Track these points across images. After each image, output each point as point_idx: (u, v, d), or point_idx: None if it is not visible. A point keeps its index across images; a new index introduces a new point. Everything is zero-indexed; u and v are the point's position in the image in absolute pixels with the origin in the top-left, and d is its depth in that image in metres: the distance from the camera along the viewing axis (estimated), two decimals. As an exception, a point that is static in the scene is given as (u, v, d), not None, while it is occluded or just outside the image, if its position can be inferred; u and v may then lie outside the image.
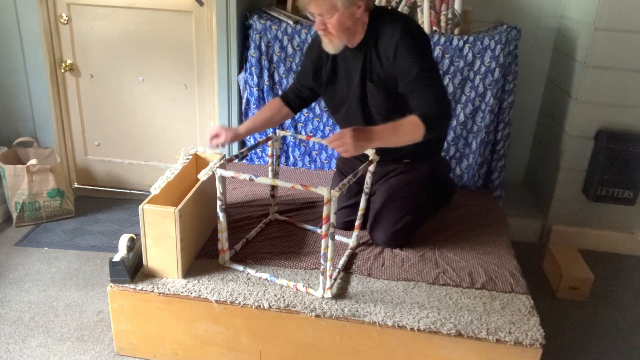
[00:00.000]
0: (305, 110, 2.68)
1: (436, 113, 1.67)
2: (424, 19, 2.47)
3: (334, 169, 2.72)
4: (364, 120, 1.94)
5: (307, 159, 2.80)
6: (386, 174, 2.07)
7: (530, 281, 1.93)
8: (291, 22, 2.54)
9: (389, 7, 2.50)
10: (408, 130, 1.65)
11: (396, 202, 2.01)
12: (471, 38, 2.42)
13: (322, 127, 2.70)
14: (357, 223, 2.01)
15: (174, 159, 2.85)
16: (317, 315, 1.66)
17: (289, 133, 2.13)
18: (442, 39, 2.43)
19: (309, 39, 2.52)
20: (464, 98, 2.51)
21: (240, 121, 2.79)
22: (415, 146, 1.72)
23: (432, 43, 2.42)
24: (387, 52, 1.77)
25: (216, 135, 2.00)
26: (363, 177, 1.93)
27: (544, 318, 1.77)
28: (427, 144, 1.76)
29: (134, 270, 1.81)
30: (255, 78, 2.64)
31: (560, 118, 2.65)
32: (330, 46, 1.82)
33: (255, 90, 2.66)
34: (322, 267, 1.68)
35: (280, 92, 2.15)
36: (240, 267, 1.86)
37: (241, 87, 2.71)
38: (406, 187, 2.03)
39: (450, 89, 2.49)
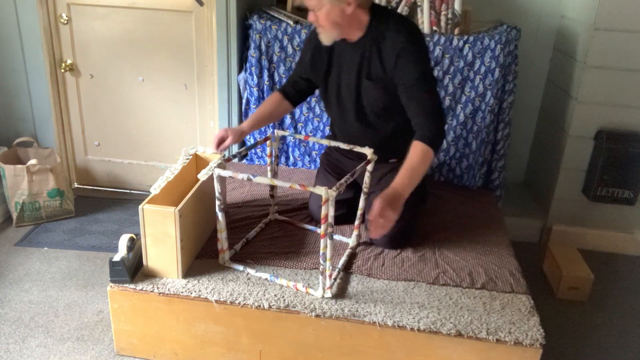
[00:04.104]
0: (305, 110, 2.68)
1: (436, 129, 1.77)
2: (424, 19, 2.47)
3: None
4: (355, 114, 1.98)
5: (307, 159, 2.80)
6: (378, 177, 2.07)
7: (530, 281, 1.93)
8: (291, 22, 2.54)
9: (389, 7, 2.50)
10: (423, 162, 1.72)
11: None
12: (471, 38, 2.42)
13: (322, 127, 2.70)
14: (356, 223, 2.01)
15: (174, 159, 2.85)
16: (317, 315, 1.66)
17: (288, 133, 2.13)
18: (442, 39, 2.43)
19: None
20: (464, 98, 2.51)
21: (241, 121, 2.79)
22: (403, 145, 1.78)
23: (432, 43, 2.43)
24: (390, 57, 1.82)
25: (222, 140, 1.98)
26: (345, 173, 1.92)
27: (544, 318, 1.77)
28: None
29: (134, 270, 1.81)
30: (255, 78, 2.64)
31: (560, 118, 2.65)
32: (323, 36, 1.87)
33: (255, 90, 2.66)
34: (321, 267, 1.68)
35: (278, 88, 2.18)
36: (240, 267, 1.86)
37: (241, 87, 2.71)
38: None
39: (450, 89, 2.49)
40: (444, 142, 2.54)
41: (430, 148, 1.73)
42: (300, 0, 1.85)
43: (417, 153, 1.72)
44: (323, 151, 2.35)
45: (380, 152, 1.95)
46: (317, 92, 2.33)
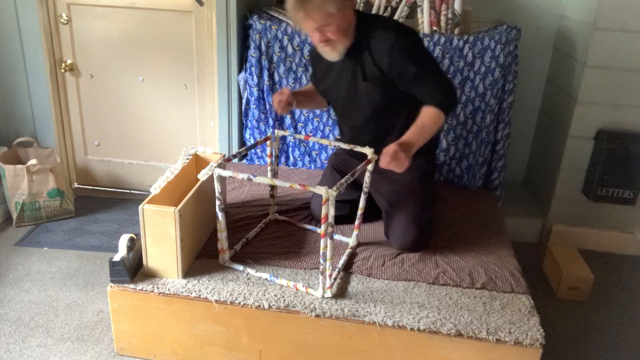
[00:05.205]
0: (305, 110, 2.68)
1: (446, 97, 1.80)
2: (424, 19, 2.47)
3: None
4: (360, 115, 1.99)
5: (307, 159, 2.80)
6: (386, 175, 2.06)
7: (530, 281, 1.93)
8: (291, 22, 2.53)
9: (389, 8, 2.51)
10: (433, 123, 1.79)
11: (408, 203, 2.02)
12: (471, 38, 2.42)
13: (322, 127, 2.70)
14: (356, 223, 2.01)
15: (174, 159, 2.85)
16: (317, 315, 1.66)
17: (288, 133, 2.13)
18: (442, 39, 2.43)
19: (309, 39, 2.52)
20: (464, 98, 2.51)
21: (241, 121, 2.80)
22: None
23: (432, 43, 2.43)
24: (382, 56, 1.82)
25: (281, 101, 1.94)
26: (345, 174, 1.93)
27: (544, 318, 1.77)
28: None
29: (134, 270, 1.81)
30: (255, 78, 2.64)
31: (560, 118, 2.65)
32: (334, 53, 1.84)
33: (255, 90, 2.66)
34: (321, 266, 1.68)
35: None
36: (240, 267, 1.86)
37: (241, 87, 2.71)
38: (412, 184, 2.04)
39: (450, 89, 2.49)
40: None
41: (441, 111, 1.77)
42: (301, 25, 1.77)
43: (428, 114, 1.79)
44: (333, 151, 2.34)
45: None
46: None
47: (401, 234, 2.00)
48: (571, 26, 2.63)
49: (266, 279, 1.81)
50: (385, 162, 1.69)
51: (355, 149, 1.99)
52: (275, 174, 2.12)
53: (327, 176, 2.23)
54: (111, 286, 1.77)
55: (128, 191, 3.06)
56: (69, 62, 2.81)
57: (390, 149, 1.68)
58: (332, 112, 2.63)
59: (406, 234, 1.99)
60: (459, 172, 2.65)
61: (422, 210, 2.04)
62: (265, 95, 2.67)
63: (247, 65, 2.63)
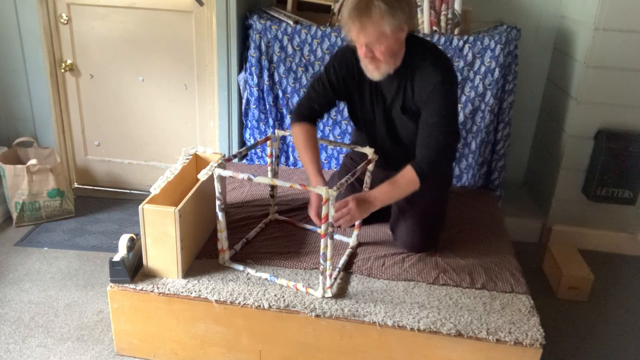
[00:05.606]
0: (305, 110, 2.67)
1: (431, 164, 1.78)
2: (424, 19, 2.47)
3: (333, 169, 2.73)
4: (387, 135, 1.95)
5: (307, 159, 2.79)
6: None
7: (530, 281, 1.93)
8: (291, 22, 2.54)
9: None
10: (405, 187, 1.78)
11: (421, 206, 1.99)
12: (471, 38, 2.42)
13: (322, 127, 2.70)
14: (357, 223, 2.01)
15: (174, 159, 2.85)
16: (317, 315, 1.66)
17: (288, 133, 2.13)
18: (442, 39, 2.43)
19: (309, 39, 2.52)
20: (464, 98, 2.51)
21: (241, 121, 2.80)
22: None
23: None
24: (423, 92, 1.76)
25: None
26: (363, 177, 1.94)
27: (544, 318, 1.77)
28: None
29: (134, 270, 1.81)
30: (255, 78, 2.64)
31: (560, 118, 2.65)
32: (377, 73, 1.76)
33: (255, 90, 2.66)
34: (321, 266, 1.68)
35: (296, 117, 1.98)
36: (240, 267, 1.86)
37: (241, 87, 2.71)
38: (430, 190, 1.96)
39: (450, 89, 2.49)
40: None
41: (418, 180, 1.76)
42: (351, 35, 1.67)
43: (405, 178, 1.77)
44: (346, 153, 2.31)
45: (394, 164, 1.92)
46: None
47: (407, 235, 1.99)
48: (571, 26, 2.63)
49: (266, 279, 1.81)
50: (337, 215, 1.67)
51: (356, 149, 2.00)
52: (275, 174, 2.12)
53: (338, 178, 2.22)
54: (111, 286, 1.76)
55: (128, 191, 3.06)
56: (69, 62, 2.81)
57: (344, 201, 1.69)
58: (332, 112, 2.63)
59: (412, 236, 1.98)
60: (458, 172, 2.65)
61: (433, 216, 2.02)
62: (265, 95, 2.67)
63: (247, 65, 2.63)
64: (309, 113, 1.97)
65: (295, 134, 1.95)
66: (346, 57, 1.87)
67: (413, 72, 1.78)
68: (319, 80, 1.94)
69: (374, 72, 1.76)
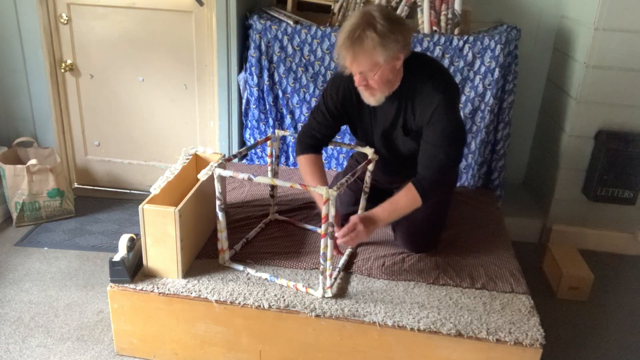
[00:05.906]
0: (305, 110, 2.68)
1: (433, 184, 1.77)
2: (424, 19, 2.47)
3: (333, 169, 2.73)
4: (390, 155, 1.95)
5: (307, 159, 2.79)
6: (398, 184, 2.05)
7: (530, 281, 1.93)
8: (291, 22, 2.54)
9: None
10: (407, 206, 1.77)
11: (423, 209, 1.94)
12: (471, 38, 2.42)
13: (322, 127, 2.70)
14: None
15: (174, 159, 2.85)
16: (317, 315, 1.66)
17: (288, 133, 2.13)
18: (442, 39, 2.43)
19: (309, 39, 2.52)
20: (463, 98, 2.51)
21: (240, 121, 2.80)
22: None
23: (432, 43, 2.43)
24: (425, 113, 1.74)
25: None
26: (362, 179, 1.94)
27: (544, 318, 1.77)
28: None
29: (134, 270, 1.81)
30: (255, 78, 2.64)
31: (560, 118, 2.65)
32: (372, 99, 1.75)
33: (255, 90, 2.66)
34: (321, 266, 1.68)
35: (300, 148, 1.96)
36: (240, 267, 1.86)
37: (241, 87, 2.71)
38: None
39: (450, 89, 2.49)
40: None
41: (420, 199, 1.75)
42: (344, 63, 1.66)
43: (407, 196, 1.76)
44: (350, 155, 2.30)
45: (396, 174, 1.99)
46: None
47: (409, 234, 1.99)
48: (571, 26, 2.63)
49: (266, 279, 1.81)
50: (341, 233, 1.67)
51: (356, 149, 2.00)
52: (275, 174, 2.12)
53: (340, 179, 2.21)
54: (111, 286, 1.77)
55: (128, 191, 3.06)
56: (69, 62, 2.81)
57: (352, 221, 1.69)
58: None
59: (414, 236, 1.99)
60: (458, 172, 2.64)
61: (435, 216, 2.01)
62: (265, 95, 2.67)
63: (247, 65, 2.63)
64: (313, 142, 1.96)
65: (302, 165, 1.95)
66: (343, 82, 1.84)
67: (413, 94, 1.76)
68: (317, 109, 1.94)
69: (369, 98, 1.75)
